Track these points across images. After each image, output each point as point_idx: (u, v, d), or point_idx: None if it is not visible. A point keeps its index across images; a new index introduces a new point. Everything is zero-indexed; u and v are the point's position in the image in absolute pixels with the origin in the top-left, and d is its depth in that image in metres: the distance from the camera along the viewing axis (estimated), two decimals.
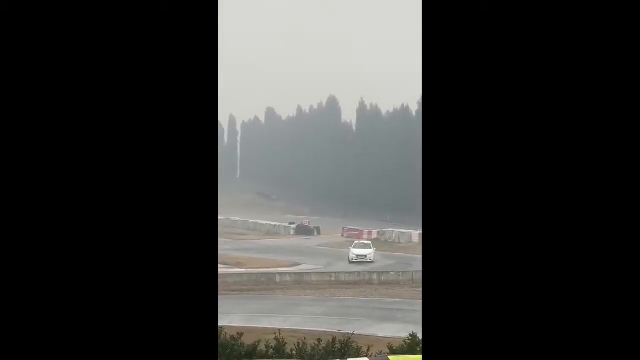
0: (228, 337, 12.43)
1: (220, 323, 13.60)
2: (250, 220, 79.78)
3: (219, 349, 12.31)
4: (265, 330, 21.11)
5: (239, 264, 50.48)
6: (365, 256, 51.88)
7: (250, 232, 75.10)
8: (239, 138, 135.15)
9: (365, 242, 55.93)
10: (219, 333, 11.30)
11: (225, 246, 58.56)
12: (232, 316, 31.23)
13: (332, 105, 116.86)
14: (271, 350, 13.63)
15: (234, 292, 40.98)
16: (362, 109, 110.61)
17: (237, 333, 11.73)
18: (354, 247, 53.58)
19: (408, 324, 26.28)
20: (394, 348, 14.64)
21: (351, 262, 50.96)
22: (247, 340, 13.63)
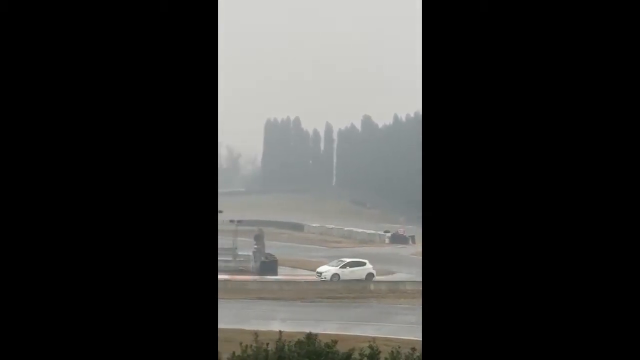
0: (322, 344, 12.43)
1: (314, 330, 13.63)
2: (345, 228, 79.78)
3: (313, 356, 12.34)
4: (359, 338, 21.08)
5: None
6: (321, 274, 47.15)
7: (345, 239, 75.10)
8: (335, 146, 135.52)
9: (346, 259, 49.80)
10: (313, 340, 11.31)
11: (319, 253, 58.74)
12: (326, 323, 31.30)
13: None
14: (365, 358, 13.60)
15: (328, 300, 41.04)
16: None
17: (332, 340, 11.73)
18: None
19: None
20: None
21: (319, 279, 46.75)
22: (341, 348, 13.61)
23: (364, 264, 49.02)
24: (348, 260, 49.49)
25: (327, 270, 47.69)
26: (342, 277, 46.91)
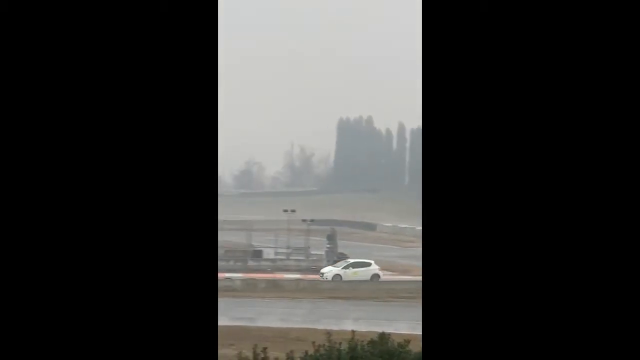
0: (395, 344, 12.40)
1: (387, 330, 13.61)
2: (417, 228, 79.44)
3: (386, 356, 12.31)
4: None
5: (406, 272, 50.40)
6: (323, 274, 46.43)
7: (418, 239, 74.74)
8: (407, 145, 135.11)
9: (352, 260, 48.53)
10: (386, 339, 11.29)
11: (392, 253, 58.67)
12: (398, 323, 31.21)
13: None
14: None
15: (400, 299, 40.95)
16: None
17: (405, 340, 11.68)
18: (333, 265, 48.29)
19: None
20: None
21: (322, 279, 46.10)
22: (414, 347, 13.55)
23: (369, 264, 47.81)
24: (352, 260, 48.40)
25: (330, 270, 47.01)
26: (344, 278, 45.92)
